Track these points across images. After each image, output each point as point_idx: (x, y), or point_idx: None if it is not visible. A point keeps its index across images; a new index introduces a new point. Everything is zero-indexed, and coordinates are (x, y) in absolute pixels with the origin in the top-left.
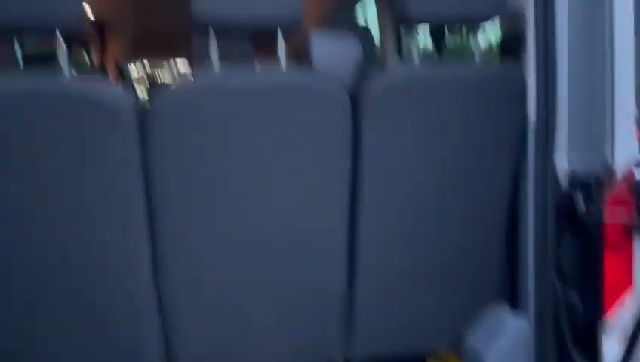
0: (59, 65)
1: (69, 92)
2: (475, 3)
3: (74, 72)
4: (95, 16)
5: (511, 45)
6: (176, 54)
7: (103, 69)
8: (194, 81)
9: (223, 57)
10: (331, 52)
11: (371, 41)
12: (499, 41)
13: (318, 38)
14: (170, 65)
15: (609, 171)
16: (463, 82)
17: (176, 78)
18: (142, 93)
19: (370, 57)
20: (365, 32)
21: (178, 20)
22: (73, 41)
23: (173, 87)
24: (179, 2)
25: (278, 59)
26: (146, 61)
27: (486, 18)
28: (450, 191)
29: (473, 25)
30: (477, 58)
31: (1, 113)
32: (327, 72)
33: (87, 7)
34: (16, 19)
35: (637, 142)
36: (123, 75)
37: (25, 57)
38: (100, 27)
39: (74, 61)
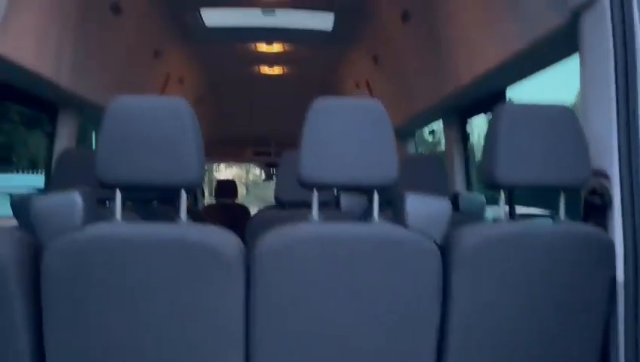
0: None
1: (186, 239)
2: (559, 167)
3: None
4: None
5: (595, 206)
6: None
7: None
8: (293, 230)
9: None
10: (424, 210)
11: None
12: (583, 201)
13: (411, 195)
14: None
15: None
16: (550, 241)
17: None
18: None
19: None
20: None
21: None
22: None
23: (276, 236)
24: (244, 116)
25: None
26: None
27: (572, 182)
28: (538, 347)
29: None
30: (562, 217)
31: (122, 256)
32: (419, 226)
33: None
34: (147, 180)
35: None
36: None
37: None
38: None
39: None
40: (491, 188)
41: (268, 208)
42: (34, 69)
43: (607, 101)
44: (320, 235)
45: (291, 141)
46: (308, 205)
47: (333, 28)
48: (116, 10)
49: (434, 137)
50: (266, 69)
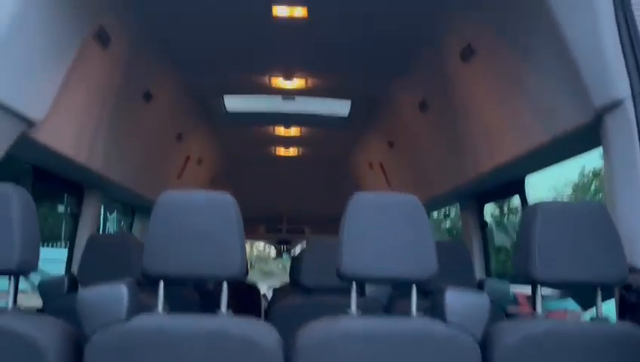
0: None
1: (228, 331)
2: (594, 264)
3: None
4: None
5: (631, 303)
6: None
7: None
8: (333, 324)
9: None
10: (464, 305)
11: None
12: (618, 297)
13: (450, 290)
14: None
15: None
16: (588, 339)
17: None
18: None
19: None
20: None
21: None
22: None
23: (317, 330)
24: (258, 195)
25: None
26: None
27: (607, 279)
28: None
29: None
30: (599, 315)
31: (166, 348)
32: (458, 322)
33: None
34: (191, 273)
35: None
36: None
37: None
38: None
39: None
40: (525, 283)
41: (281, 289)
42: (71, 156)
43: (637, 198)
44: (361, 330)
45: (302, 219)
46: (329, 290)
47: (349, 113)
48: (148, 97)
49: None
50: (281, 151)
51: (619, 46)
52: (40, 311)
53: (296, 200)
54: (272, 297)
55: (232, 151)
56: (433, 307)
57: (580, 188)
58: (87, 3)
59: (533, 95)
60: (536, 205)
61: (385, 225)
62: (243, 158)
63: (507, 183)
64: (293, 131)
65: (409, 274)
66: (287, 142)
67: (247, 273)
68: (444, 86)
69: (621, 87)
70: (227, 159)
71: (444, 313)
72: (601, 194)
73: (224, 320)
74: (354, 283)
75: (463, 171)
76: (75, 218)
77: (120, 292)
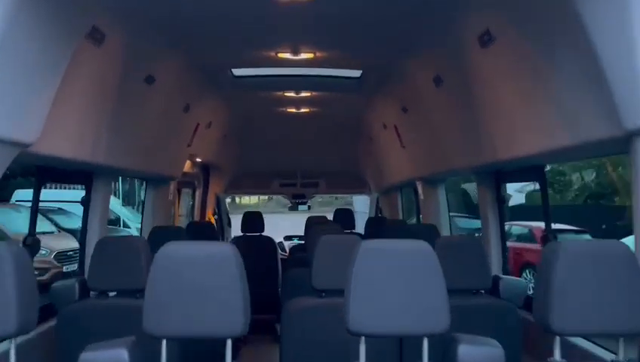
0: None
1: None
2: (619, 311)
3: None
4: (203, 160)
5: None
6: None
7: (204, 201)
8: None
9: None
10: (477, 357)
11: None
12: None
13: (463, 343)
14: None
15: None
16: None
17: None
18: None
19: None
20: None
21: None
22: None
23: None
24: (268, 150)
25: None
26: None
27: (634, 328)
28: None
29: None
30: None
31: None
32: None
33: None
34: (194, 332)
35: None
36: (219, 206)
37: None
38: (206, 168)
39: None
40: (550, 332)
41: (298, 248)
42: (72, 157)
43: None
44: None
45: (317, 175)
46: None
47: (360, 79)
48: (150, 80)
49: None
50: (293, 110)
51: None
52: (52, 311)
53: (310, 155)
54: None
55: (242, 112)
56: (445, 357)
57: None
58: (75, 9)
59: (557, 97)
60: (557, 245)
61: (395, 276)
62: (254, 117)
63: (527, 167)
64: (304, 93)
65: (421, 328)
66: (298, 102)
67: (262, 229)
68: (460, 66)
69: None
70: (238, 119)
71: None
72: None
73: None
74: (362, 339)
75: (480, 154)
76: (85, 205)
77: (120, 357)
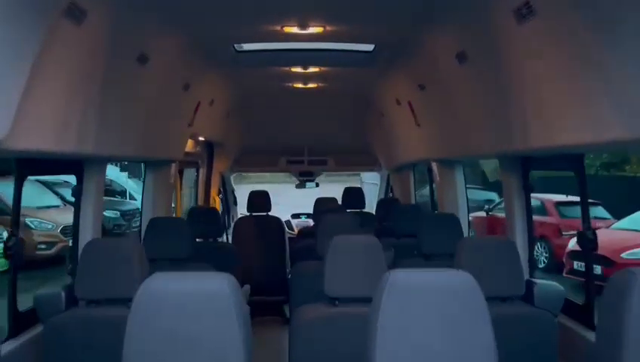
0: None
1: None
2: None
3: None
4: (206, 138)
5: None
6: (271, 168)
7: (208, 181)
8: None
9: None
10: None
11: None
12: None
13: None
14: None
15: None
16: None
17: None
18: None
19: None
20: None
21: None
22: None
23: None
24: (274, 127)
25: None
26: None
27: None
28: None
29: None
30: None
31: None
32: None
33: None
34: None
35: None
36: (225, 185)
37: None
38: (210, 146)
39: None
40: None
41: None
42: (57, 150)
43: None
44: None
45: (325, 151)
46: (355, 300)
47: (372, 53)
48: (144, 60)
49: None
50: (300, 85)
51: None
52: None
53: (318, 131)
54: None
55: (246, 88)
56: None
57: None
58: None
59: (613, 83)
60: (629, 274)
61: (430, 314)
62: (259, 94)
63: (562, 155)
64: (312, 69)
65: None
66: (306, 78)
67: (269, 209)
68: (489, 43)
69: None
70: (242, 95)
71: None
72: None
73: None
74: None
75: (508, 140)
76: (76, 196)
77: None
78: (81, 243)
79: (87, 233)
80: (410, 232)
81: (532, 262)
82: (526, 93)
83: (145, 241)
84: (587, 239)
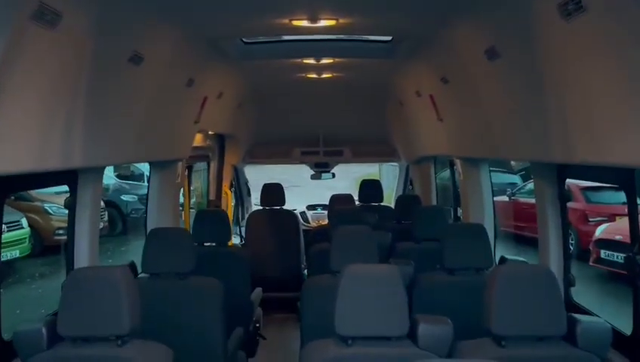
0: None
1: None
2: None
3: None
4: (216, 131)
5: None
6: (285, 160)
7: (220, 174)
8: None
9: None
10: None
11: None
12: None
13: None
14: None
15: None
16: None
17: None
18: None
19: None
20: None
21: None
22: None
23: None
24: (287, 117)
25: None
26: None
27: None
28: None
29: None
30: None
31: None
32: None
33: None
34: None
35: None
36: (238, 177)
37: None
38: (221, 139)
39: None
40: None
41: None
42: (40, 169)
43: None
44: None
45: (341, 142)
46: (370, 339)
47: (391, 43)
48: (138, 60)
49: None
50: (313, 75)
51: None
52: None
53: (333, 122)
54: (307, 282)
55: (257, 79)
56: None
57: None
58: None
59: None
60: None
61: None
62: (270, 85)
63: (607, 167)
64: (325, 60)
65: None
66: (319, 69)
67: (283, 203)
68: (527, 40)
69: None
70: (252, 87)
71: None
72: None
73: None
74: None
75: (544, 149)
76: (70, 209)
77: None
78: (77, 265)
79: (83, 254)
80: (431, 236)
81: (566, 261)
82: (569, 99)
83: (145, 254)
84: (636, 264)
